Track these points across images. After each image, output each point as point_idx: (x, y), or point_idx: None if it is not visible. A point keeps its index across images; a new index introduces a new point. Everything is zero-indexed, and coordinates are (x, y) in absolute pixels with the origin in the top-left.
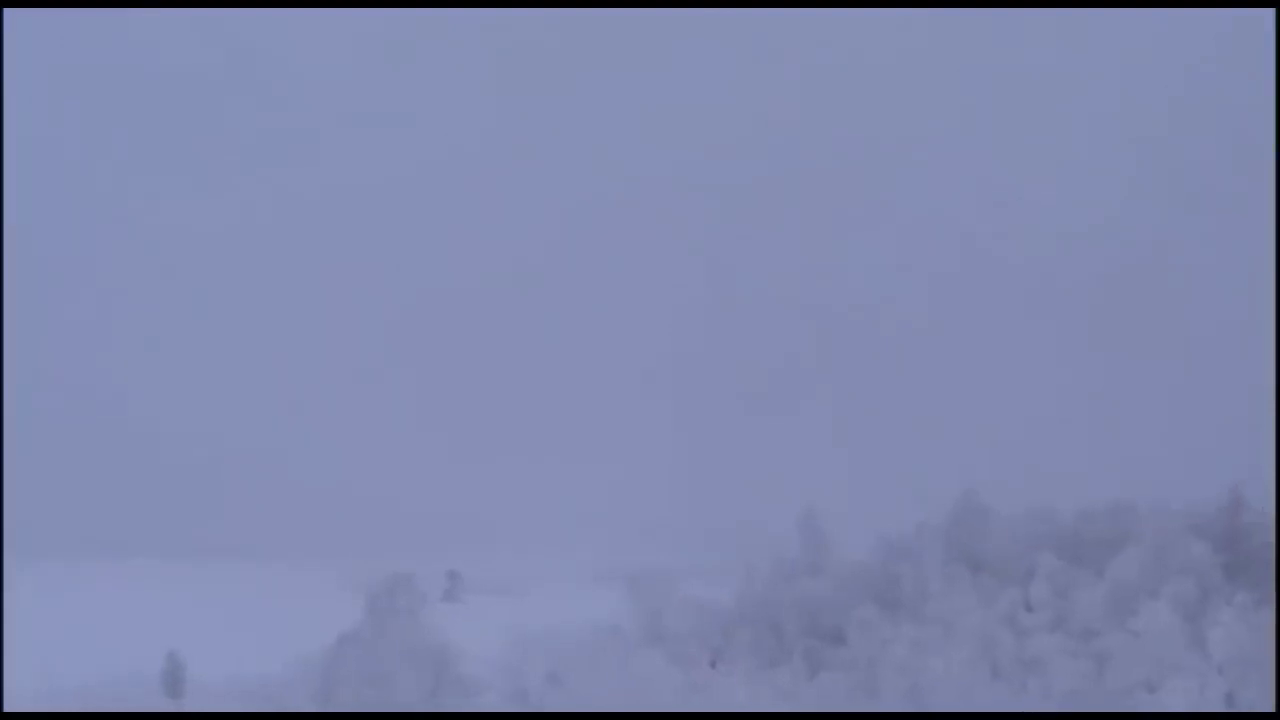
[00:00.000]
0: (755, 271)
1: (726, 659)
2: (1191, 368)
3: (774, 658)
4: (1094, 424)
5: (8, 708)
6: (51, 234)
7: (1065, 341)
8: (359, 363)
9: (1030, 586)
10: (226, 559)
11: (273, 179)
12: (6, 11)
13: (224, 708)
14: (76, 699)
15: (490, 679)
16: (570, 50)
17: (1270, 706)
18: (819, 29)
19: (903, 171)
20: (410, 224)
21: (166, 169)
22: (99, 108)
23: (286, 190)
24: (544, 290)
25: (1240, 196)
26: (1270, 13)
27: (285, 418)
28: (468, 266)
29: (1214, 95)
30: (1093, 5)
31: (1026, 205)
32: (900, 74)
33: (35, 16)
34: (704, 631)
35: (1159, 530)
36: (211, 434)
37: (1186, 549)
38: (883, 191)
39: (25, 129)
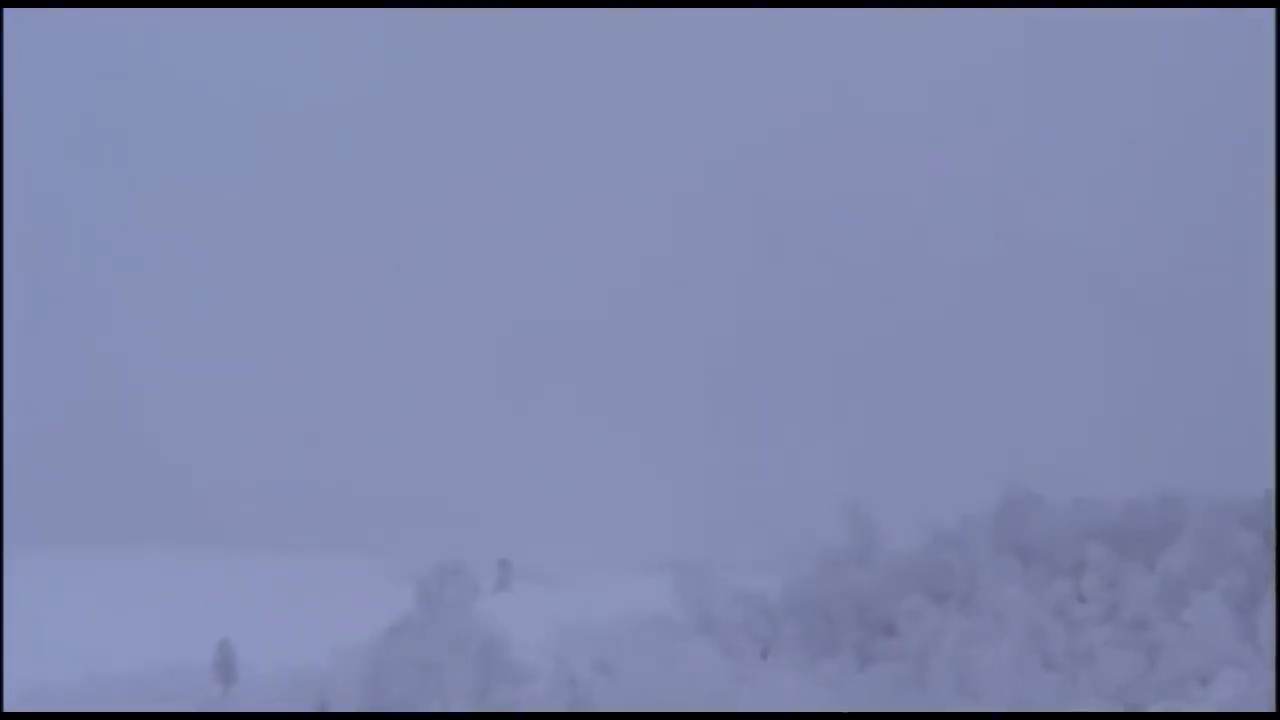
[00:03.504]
0: (795, 266)
1: (776, 650)
2: (1230, 362)
3: (824, 649)
4: (1135, 417)
5: (59, 695)
6: (58, 232)
7: (1104, 337)
8: (399, 356)
9: (1081, 578)
10: (274, 549)
11: (276, 181)
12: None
13: (274, 696)
14: (127, 686)
15: (540, 667)
16: (582, 52)
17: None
18: (829, 31)
19: (919, 172)
20: (443, 219)
21: (168, 170)
22: (100, 110)
23: (292, 190)
24: (581, 284)
25: (1244, 195)
26: (1270, 13)
27: (327, 410)
28: (498, 260)
29: (1213, 94)
30: (1090, 6)
31: (1047, 202)
32: (905, 79)
33: (34, 17)
34: (752, 622)
35: (1210, 521)
36: (255, 427)
37: (1237, 540)
38: (902, 192)
39: (25, 130)
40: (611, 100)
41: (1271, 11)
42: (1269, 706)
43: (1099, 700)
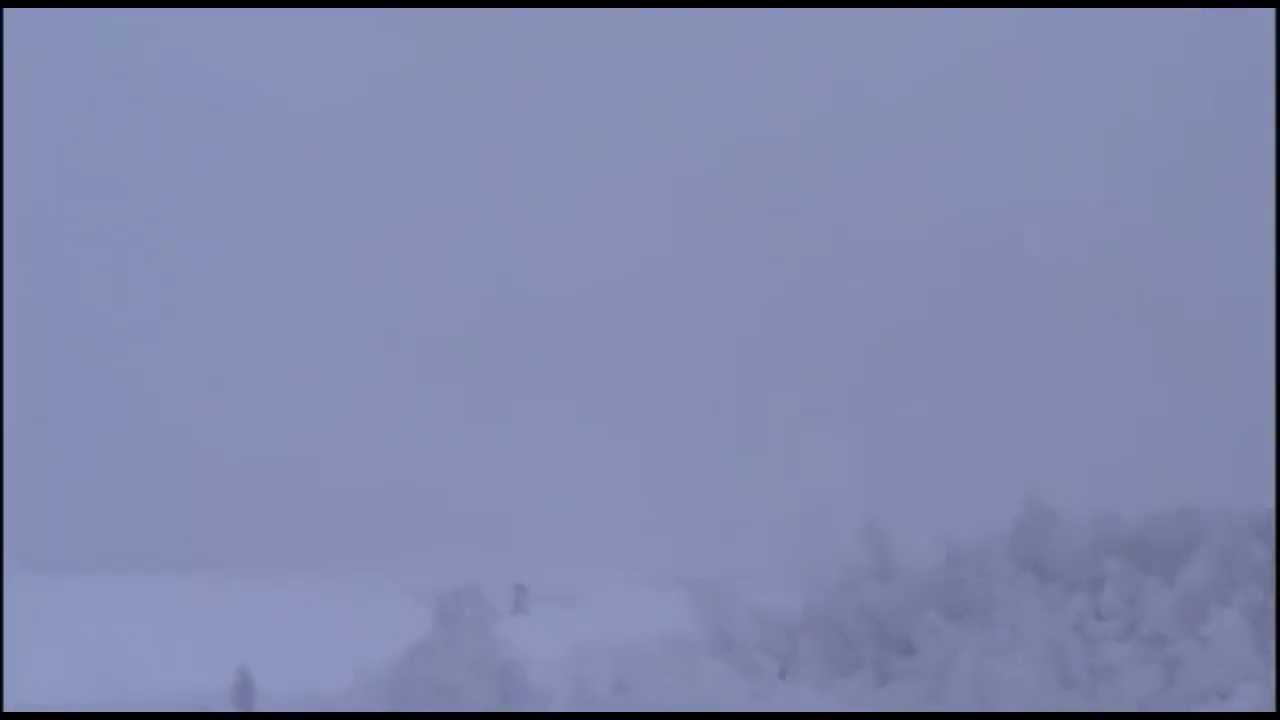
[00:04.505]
0: (809, 276)
1: (794, 669)
2: (1240, 371)
3: (842, 667)
4: (1151, 430)
5: None
6: (56, 238)
7: (1119, 348)
8: (413, 374)
9: (1099, 593)
10: (284, 574)
11: (278, 181)
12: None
13: None
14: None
15: (558, 689)
16: (577, 50)
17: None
18: (830, 29)
19: (925, 178)
20: (446, 226)
21: (172, 173)
22: (101, 110)
23: (293, 192)
24: (597, 299)
25: (1244, 198)
26: (1270, 13)
27: (340, 429)
28: (509, 269)
29: (1212, 95)
30: (1090, 6)
31: (1048, 208)
32: (899, 77)
33: (34, 17)
34: (770, 641)
35: (1227, 535)
36: (267, 447)
37: (1255, 554)
38: (915, 200)
39: (26, 131)
40: (612, 102)
41: (1271, 11)
42: None
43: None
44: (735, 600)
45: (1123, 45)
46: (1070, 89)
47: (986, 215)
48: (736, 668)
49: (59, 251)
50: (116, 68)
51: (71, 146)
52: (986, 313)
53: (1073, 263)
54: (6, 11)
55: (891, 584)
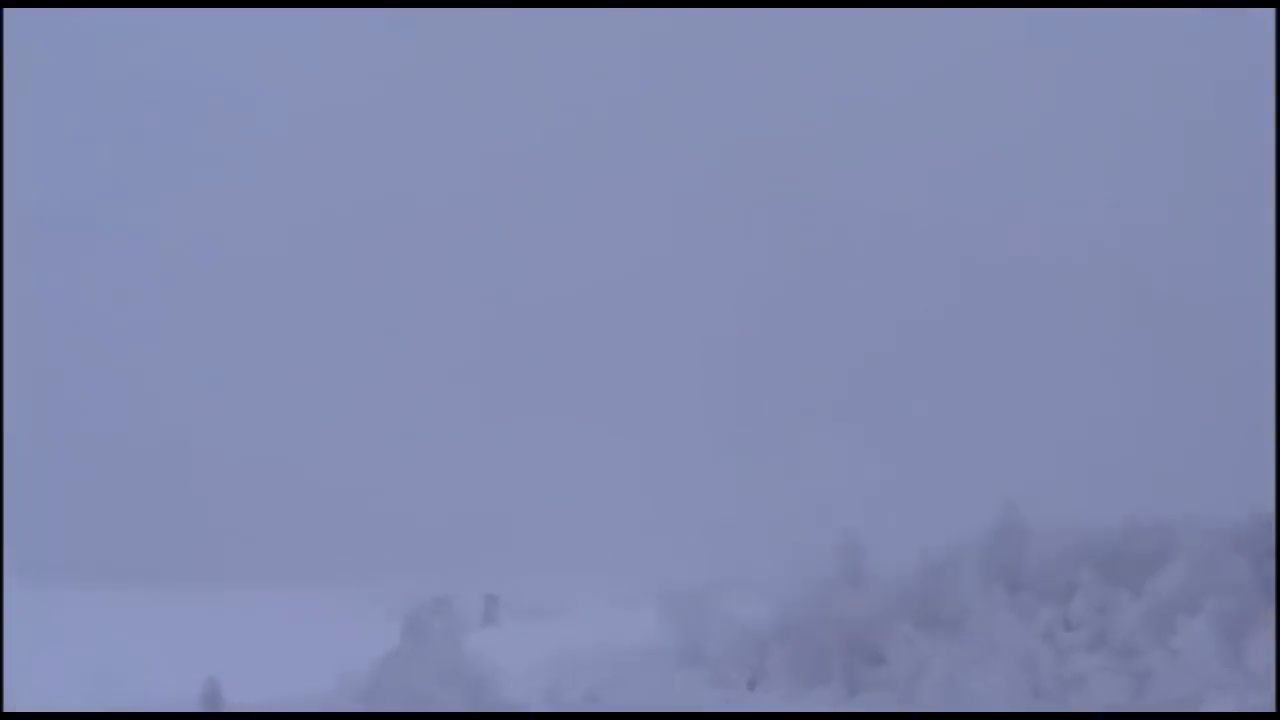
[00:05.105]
0: (789, 287)
1: (765, 680)
2: (1229, 378)
3: (813, 678)
4: (1132, 439)
5: None
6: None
7: (1101, 357)
8: (391, 389)
9: (1069, 604)
10: (259, 585)
11: (280, 185)
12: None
13: None
14: None
15: (529, 700)
16: (582, 51)
17: None
18: (835, 30)
19: (910, 180)
20: (450, 232)
21: (173, 174)
22: (104, 112)
23: (282, 197)
24: (577, 302)
25: (1245, 200)
26: (1270, 13)
27: (314, 440)
28: (497, 276)
29: (1212, 94)
30: (1090, 6)
31: (1042, 213)
32: (901, 79)
33: (34, 17)
34: (742, 652)
35: (1199, 546)
36: (238, 458)
37: (1227, 565)
38: (895, 202)
39: (28, 130)
40: (615, 103)
41: (1271, 11)
42: None
43: None
44: (707, 610)
45: (1123, 46)
46: (1071, 89)
47: (983, 215)
48: (707, 678)
49: (59, 253)
50: (116, 68)
51: (71, 146)
52: (981, 314)
53: (1071, 263)
54: (6, 11)
55: (864, 594)
